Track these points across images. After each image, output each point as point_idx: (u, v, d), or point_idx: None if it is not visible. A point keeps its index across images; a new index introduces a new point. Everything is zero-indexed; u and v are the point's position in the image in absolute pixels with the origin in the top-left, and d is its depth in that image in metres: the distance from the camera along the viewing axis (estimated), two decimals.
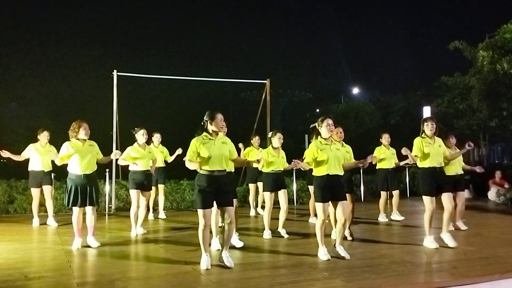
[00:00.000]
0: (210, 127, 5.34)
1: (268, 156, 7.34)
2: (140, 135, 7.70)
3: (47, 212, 8.84)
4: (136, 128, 7.78)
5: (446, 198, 6.42)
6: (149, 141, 9.36)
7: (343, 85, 37.63)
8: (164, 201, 10.06)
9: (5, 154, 8.10)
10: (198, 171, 5.31)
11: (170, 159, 9.85)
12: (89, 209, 6.51)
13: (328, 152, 5.69)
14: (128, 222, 7.75)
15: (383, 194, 9.13)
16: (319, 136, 5.83)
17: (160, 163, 9.54)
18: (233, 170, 6.59)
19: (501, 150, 31.57)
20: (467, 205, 8.41)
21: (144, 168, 7.65)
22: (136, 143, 7.73)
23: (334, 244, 5.84)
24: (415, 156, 6.51)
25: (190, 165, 5.28)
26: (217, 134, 5.39)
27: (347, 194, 6.88)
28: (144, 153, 7.67)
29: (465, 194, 8.27)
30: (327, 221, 5.86)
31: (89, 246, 6.46)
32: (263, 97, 12.86)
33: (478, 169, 7.85)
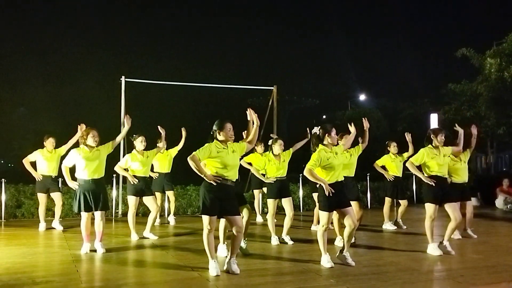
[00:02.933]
0: (219, 137, 5.33)
1: (269, 163, 7.38)
2: (139, 142, 7.74)
3: (53, 217, 8.91)
4: (134, 135, 7.83)
5: (452, 208, 6.40)
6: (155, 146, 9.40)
7: (350, 92, 37.61)
8: (174, 206, 10.02)
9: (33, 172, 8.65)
10: (198, 172, 5.13)
11: (180, 146, 9.55)
12: (97, 214, 6.54)
13: (333, 160, 5.69)
14: (135, 228, 7.75)
15: (388, 200, 9.07)
16: (320, 144, 5.81)
17: (165, 169, 9.53)
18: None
19: (508, 158, 31.41)
20: (474, 213, 8.37)
21: (142, 175, 7.69)
22: (134, 150, 7.78)
23: (341, 250, 5.83)
24: (412, 163, 6.52)
25: (194, 164, 5.06)
26: (226, 143, 5.39)
27: (354, 202, 6.90)
28: (143, 160, 7.71)
29: (472, 202, 8.21)
30: (331, 228, 5.85)
31: (96, 251, 6.49)
32: (270, 103, 12.87)
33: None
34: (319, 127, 5.94)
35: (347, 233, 5.75)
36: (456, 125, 7.15)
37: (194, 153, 5.15)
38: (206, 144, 5.26)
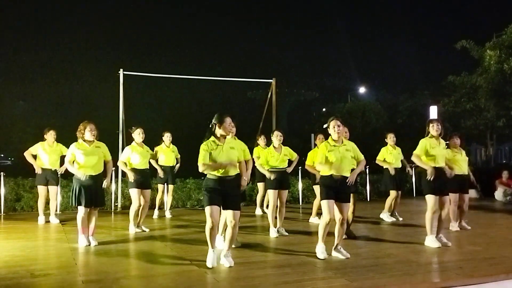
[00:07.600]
0: (218, 131, 5.29)
1: (269, 156, 7.44)
2: (137, 135, 7.73)
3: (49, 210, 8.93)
4: (133, 127, 7.81)
5: (447, 199, 6.47)
6: (159, 141, 9.44)
7: (349, 84, 37.49)
8: (171, 201, 10.05)
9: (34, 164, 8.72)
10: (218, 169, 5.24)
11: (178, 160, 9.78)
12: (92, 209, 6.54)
13: (336, 154, 5.68)
14: (134, 221, 7.74)
15: (393, 193, 9.03)
16: (329, 137, 5.83)
17: (171, 162, 9.55)
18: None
19: (508, 150, 31.42)
20: (473, 205, 8.39)
21: (142, 167, 7.68)
22: (134, 142, 7.76)
23: (335, 246, 5.82)
24: (417, 155, 6.50)
25: (204, 167, 5.19)
26: (225, 137, 5.36)
27: (351, 194, 6.92)
28: (143, 152, 7.70)
29: (469, 194, 8.19)
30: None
31: (94, 245, 6.48)
32: (269, 96, 12.85)
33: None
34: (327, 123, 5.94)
35: (337, 228, 5.77)
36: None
37: (199, 164, 5.21)
38: (201, 147, 5.26)
